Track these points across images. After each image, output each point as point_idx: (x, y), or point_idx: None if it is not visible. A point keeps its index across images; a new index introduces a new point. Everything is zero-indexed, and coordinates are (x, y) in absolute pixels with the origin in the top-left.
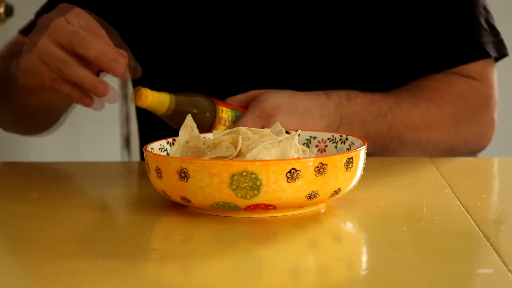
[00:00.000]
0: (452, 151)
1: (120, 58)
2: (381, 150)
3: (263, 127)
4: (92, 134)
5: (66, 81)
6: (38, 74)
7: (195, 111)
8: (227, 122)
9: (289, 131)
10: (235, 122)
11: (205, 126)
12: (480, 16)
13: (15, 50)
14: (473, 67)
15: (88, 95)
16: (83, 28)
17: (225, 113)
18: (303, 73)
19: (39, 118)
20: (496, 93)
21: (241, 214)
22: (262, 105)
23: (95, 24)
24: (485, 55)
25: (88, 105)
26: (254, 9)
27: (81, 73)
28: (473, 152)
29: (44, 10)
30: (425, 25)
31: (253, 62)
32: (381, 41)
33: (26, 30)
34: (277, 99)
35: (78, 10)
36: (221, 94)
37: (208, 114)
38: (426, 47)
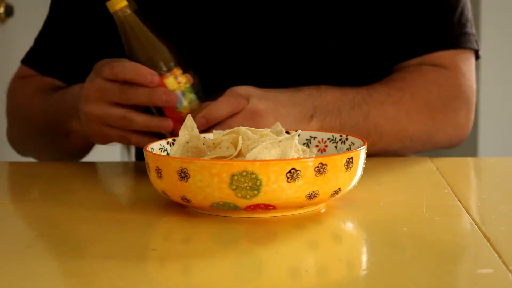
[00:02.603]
0: (432, 143)
1: (168, 91)
2: None
3: (233, 112)
4: None
5: (133, 132)
6: (107, 138)
7: (151, 54)
8: (175, 85)
9: (289, 131)
10: (187, 93)
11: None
12: (456, 8)
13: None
14: (442, 56)
15: (153, 137)
16: (132, 77)
17: (180, 77)
18: (290, 69)
19: (81, 153)
20: (473, 84)
21: (241, 214)
22: (235, 91)
23: (139, 68)
24: (454, 45)
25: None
26: (246, 11)
27: (142, 120)
28: (452, 144)
29: (42, 35)
30: (398, 14)
31: (243, 62)
32: (356, 34)
33: (28, 60)
34: (248, 88)
35: (119, 63)
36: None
37: (161, 64)
38: (397, 36)
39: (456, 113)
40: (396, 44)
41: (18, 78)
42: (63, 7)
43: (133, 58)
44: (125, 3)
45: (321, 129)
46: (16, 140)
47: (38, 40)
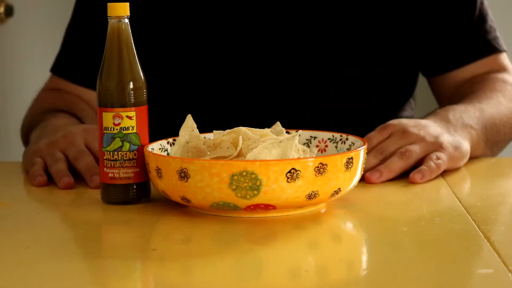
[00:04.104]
0: None
1: (96, 178)
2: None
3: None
4: None
5: (44, 172)
6: (28, 162)
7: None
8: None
9: (289, 131)
10: (116, 138)
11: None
12: (487, 13)
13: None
14: (492, 60)
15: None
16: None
17: (120, 119)
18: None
19: None
20: None
21: (241, 214)
22: (386, 124)
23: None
24: (495, 49)
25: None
26: (253, 11)
27: (59, 167)
28: None
29: (67, 43)
30: (441, 26)
31: (252, 63)
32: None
33: (57, 69)
34: (400, 120)
35: (78, 152)
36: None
37: (119, 95)
38: (440, 45)
39: None
40: (438, 54)
41: (48, 89)
42: (87, 13)
43: (106, 72)
44: (127, 13)
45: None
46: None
47: (64, 48)
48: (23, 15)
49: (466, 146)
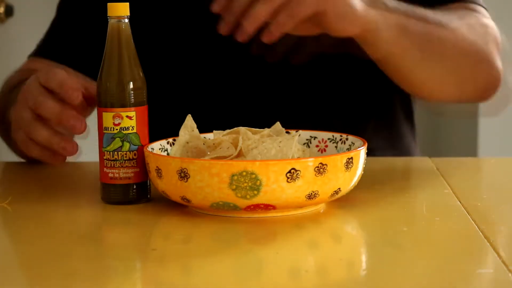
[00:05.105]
0: (477, 69)
1: (78, 118)
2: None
3: None
4: (92, 134)
5: (36, 143)
6: (18, 143)
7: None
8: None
9: (289, 131)
10: (116, 138)
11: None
12: None
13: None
14: (466, 6)
15: (59, 155)
16: (55, 87)
17: (120, 119)
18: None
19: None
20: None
21: (241, 214)
22: None
23: (67, 81)
24: (474, 2)
25: (60, 163)
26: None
27: (45, 134)
28: (489, 88)
29: (50, 33)
30: None
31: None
32: None
33: (37, 53)
34: None
35: (55, 71)
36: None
37: (120, 95)
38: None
39: (494, 55)
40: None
41: (17, 71)
42: (71, 8)
43: (107, 72)
44: (127, 13)
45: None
46: None
47: (46, 37)
48: (23, 15)
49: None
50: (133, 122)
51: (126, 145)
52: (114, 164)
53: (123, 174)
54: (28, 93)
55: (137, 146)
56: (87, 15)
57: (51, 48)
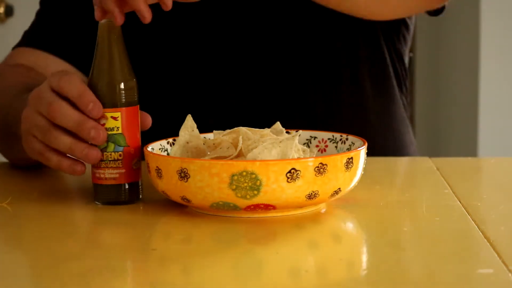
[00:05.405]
0: None
1: (99, 129)
2: None
3: None
4: None
5: (55, 152)
6: (32, 151)
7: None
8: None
9: (289, 131)
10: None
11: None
12: None
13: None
14: None
15: (79, 162)
16: (73, 97)
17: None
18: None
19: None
20: None
21: (241, 214)
22: None
23: (86, 92)
24: None
25: (79, 174)
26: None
27: (67, 142)
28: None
29: (33, 27)
30: None
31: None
32: None
33: (24, 42)
34: None
35: (69, 79)
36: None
37: (116, 95)
38: None
39: None
40: None
41: (7, 65)
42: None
43: (97, 72)
44: None
45: None
46: None
47: (33, 27)
48: (23, 15)
49: None
50: (118, 123)
51: (111, 146)
52: (99, 165)
53: (108, 174)
54: (38, 100)
55: (122, 147)
56: (71, 2)
57: (38, 37)
